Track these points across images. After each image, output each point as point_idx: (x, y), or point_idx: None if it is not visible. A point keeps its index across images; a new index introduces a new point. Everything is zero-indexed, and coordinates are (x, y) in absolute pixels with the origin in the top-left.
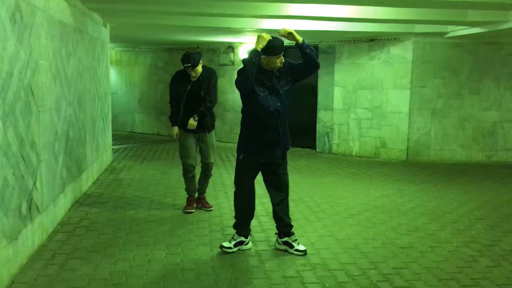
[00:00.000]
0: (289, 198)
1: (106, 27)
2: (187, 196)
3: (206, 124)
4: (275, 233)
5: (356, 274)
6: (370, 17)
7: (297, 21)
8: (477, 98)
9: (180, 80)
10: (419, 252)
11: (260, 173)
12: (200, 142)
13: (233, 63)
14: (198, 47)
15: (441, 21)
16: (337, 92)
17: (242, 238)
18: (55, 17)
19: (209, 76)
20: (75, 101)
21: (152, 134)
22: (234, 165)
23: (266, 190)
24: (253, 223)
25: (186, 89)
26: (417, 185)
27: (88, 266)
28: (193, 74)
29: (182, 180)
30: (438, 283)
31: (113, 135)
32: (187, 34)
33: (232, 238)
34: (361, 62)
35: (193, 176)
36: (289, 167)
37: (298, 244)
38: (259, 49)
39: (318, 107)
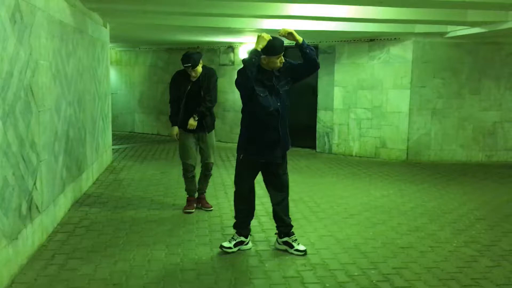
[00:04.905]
0: (289, 198)
1: (106, 27)
2: (187, 196)
3: (206, 124)
4: (275, 233)
5: (356, 274)
6: (370, 17)
7: (297, 21)
8: (477, 98)
9: (180, 80)
10: (419, 252)
11: (260, 173)
12: (200, 142)
13: (233, 63)
14: (198, 47)
15: (441, 21)
16: (337, 92)
17: (242, 238)
18: (55, 17)
19: (209, 76)
20: (75, 101)
21: (152, 134)
22: (234, 165)
23: (266, 190)
24: (253, 223)
25: (186, 89)
26: (417, 185)
27: (88, 266)
28: (193, 74)
29: (182, 180)
30: (438, 283)
31: (113, 135)
32: (187, 34)
33: (232, 238)
34: (361, 62)
35: (193, 176)
36: (289, 167)
37: (298, 244)
38: (259, 49)
39: (318, 107)
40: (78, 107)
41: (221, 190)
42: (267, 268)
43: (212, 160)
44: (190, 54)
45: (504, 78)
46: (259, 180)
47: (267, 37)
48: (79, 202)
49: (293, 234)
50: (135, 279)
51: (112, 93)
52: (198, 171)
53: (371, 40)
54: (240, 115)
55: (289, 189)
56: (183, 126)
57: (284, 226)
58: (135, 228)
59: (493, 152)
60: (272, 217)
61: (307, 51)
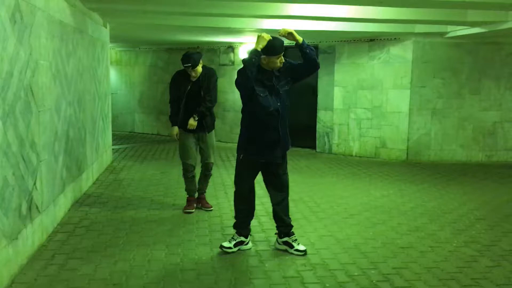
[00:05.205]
0: (289, 198)
1: (106, 27)
2: (187, 196)
3: (206, 124)
4: (275, 233)
5: (356, 274)
6: (370, 17)
7: (297, 21)
8: (477, 98)
9: (180, 80)
10: (419, 252)
11: (260, 173)
12: (200, 142)
13: (233, 63)
14: (198, 47)
15: (441, 21)
16: (337, 92)
17: (242, 238)
18: (55, 17)
19: (209, 76)
20: (75, 101)
21: (152, 134)
22: (234, 165)
23: (266, 190)
24: (253, 223)
25: (186, 89)
26: (417, 185)
27: (88, 266)
28: (193, 74)
29: (182, 180)
30: (438, 283)
31: (113, 135)
32: (187, 34)
33: (232, 238)
34: (361, 62)
35: (193, 176)
36: (289, 167)
37: (298, 244)
38: (259, 49)
39: (318, 107)
40: (78, 107)
41: (221, 190)
42: (267, 268)
43: (212, 160)
44: (190, 54)
45: (504, 78)
46: (259, 180)
47: (267, 37)
48: (79, 202)
49: (293, 234)
50: (135, 279)
51: (112, 93)
52: (198, 171)
53: (371, 40)
54: (240, 115)
55: (289, 189)
56: (183, 126)
57: (284, 226)
58: (135, 228)
59: (493, 152)
60: (272, 217)
61: (307, 51)
